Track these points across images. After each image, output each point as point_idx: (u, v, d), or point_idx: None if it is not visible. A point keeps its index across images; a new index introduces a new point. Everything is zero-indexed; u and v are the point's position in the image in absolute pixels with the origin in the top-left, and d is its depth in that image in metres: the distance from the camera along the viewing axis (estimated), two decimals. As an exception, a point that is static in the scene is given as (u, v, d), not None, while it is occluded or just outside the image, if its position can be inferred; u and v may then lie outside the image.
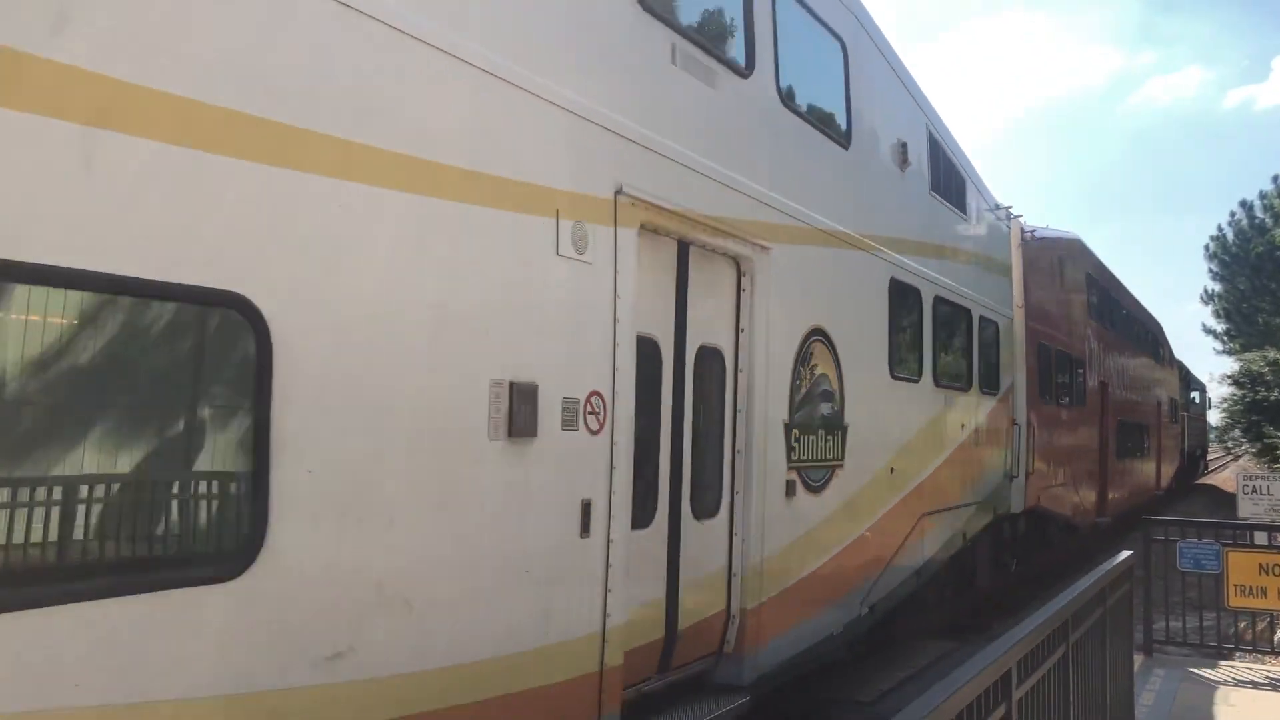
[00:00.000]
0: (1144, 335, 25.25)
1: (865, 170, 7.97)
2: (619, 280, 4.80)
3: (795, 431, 6.58)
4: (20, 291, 2.63)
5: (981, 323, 10.89)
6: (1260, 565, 8.58)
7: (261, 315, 3.08)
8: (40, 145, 2.58)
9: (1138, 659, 7.98)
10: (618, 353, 4.81)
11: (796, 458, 6.60)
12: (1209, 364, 69.48)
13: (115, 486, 2.89)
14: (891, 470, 8.22)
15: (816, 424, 6.91)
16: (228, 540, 3.08)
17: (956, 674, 2.96)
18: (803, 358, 6.71)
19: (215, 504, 3.11)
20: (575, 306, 4.56)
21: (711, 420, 5.92)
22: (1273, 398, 25.08)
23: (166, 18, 2.91)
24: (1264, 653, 9.07)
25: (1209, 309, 51.85)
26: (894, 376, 8.29)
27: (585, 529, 4.60)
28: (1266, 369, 26.17)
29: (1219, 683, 8.09)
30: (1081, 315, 17.24)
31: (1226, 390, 31.23)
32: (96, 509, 2.83)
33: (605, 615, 4.72)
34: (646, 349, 5.19)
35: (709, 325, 5.85)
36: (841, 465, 7.27)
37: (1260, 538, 8.99)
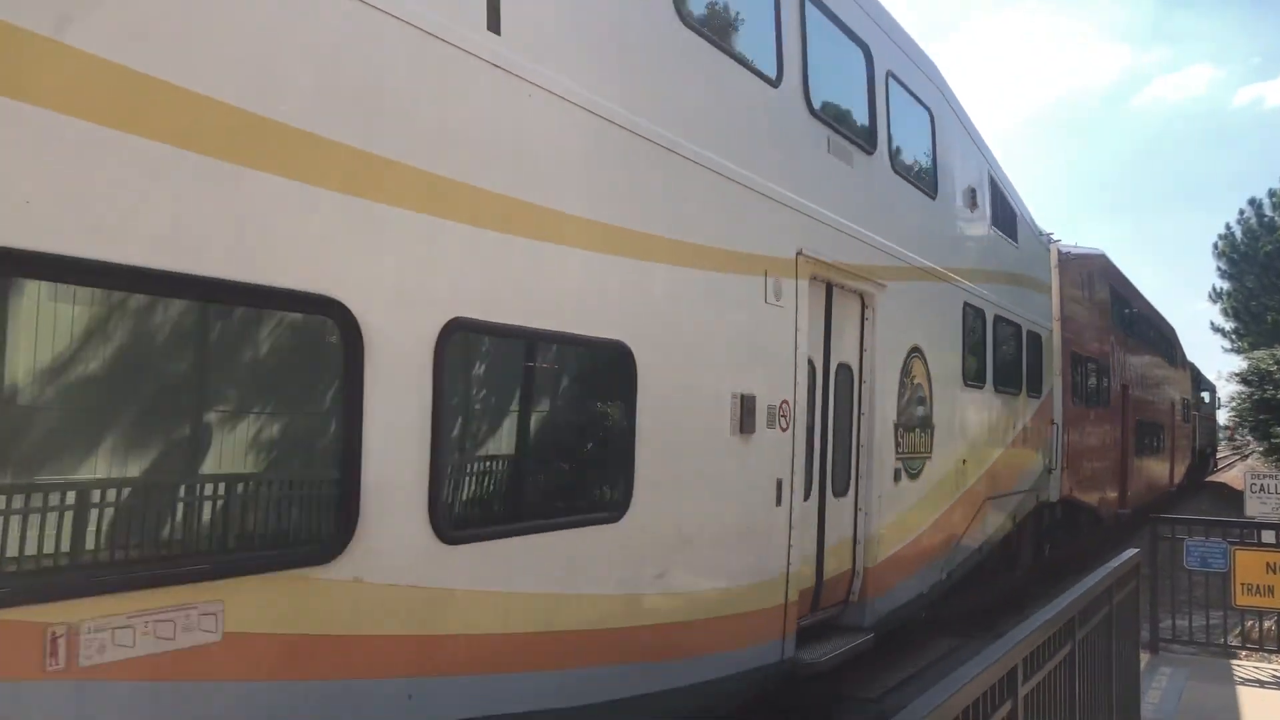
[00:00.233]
0: (1159, 340, 26.88)
1: (946, 215, 9.68)
2: (798, 318, 6.53)
3: (900, 430, 8.30)
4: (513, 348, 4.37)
5: (1029, 336, 12.60)
6: (1268, 564, 8.60)
7: (633, 355, 4.82)
8: (470, 241, 4.24)
9: (1144, 657, 7.98)
10: (797, 371, 6.54)
11: (901, 451, 8.32)
12: (1217, 362, 68.80)
13: (570, 467, 4.66)
14: (964, 462, 9.94)
15: (914, 423, 8.62)
16: (617, 498, 4.82)
17: (962, 670, 2.97)
18: (905, 370, 8.43)
19: (611, 476, 4.86)
20: (774, 338, 6.29)
21: (843, 421, 7.64)
22: (1280, 396, 25.89)
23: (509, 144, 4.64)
24: (1271, 651, 9.00)
25: (1217, 307, 51.52)
26: (966, 384, 10.01)
27: (778, 500, 6.34)
28: (1275, 367, 26.99)
29: (1226, 681, 8.05)
30: (1106, 325, 18.91)
31: (1235, 388, 32.09)
32: (569, 478, 4.61)
33: (789, 564, 6.46)
34: (809, 367, 6.92)
35: (843, 347, 7.56)
36: (930, 457, 9.00)
37: (1268, 536, 8.92)
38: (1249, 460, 36.04)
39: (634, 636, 4.93)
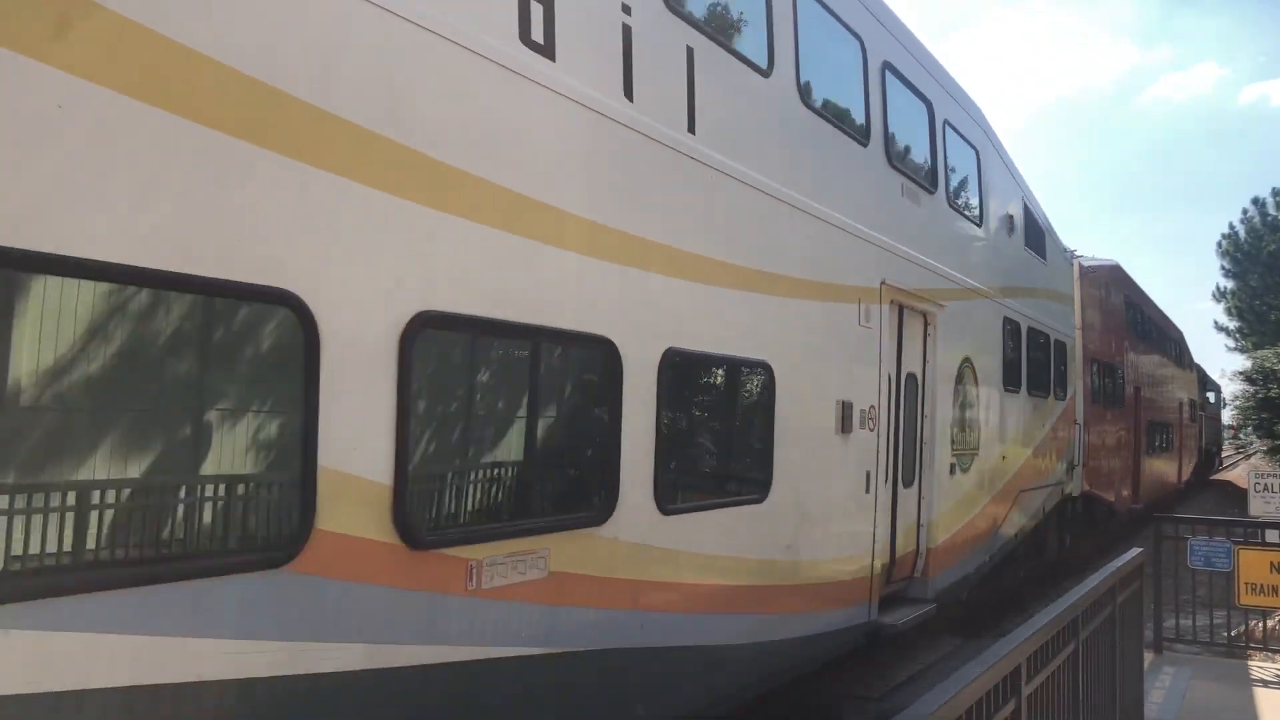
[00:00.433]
0: (1168, 343, 28.17)
1: (990, 240, 10.99)
2: (882, 337, 7.85)
3: (954, 429, 9.61)
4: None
5: (1055, 344, 13.90)
6: (1271, 563, 8.62)
7: (774, 372, 6.14)
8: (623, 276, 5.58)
9: (1148, 656, 8.03)
10: (880, 381, 7.86)
11: (955, 448, 9.63)
12: (1221, 360, 68.57)
13: (736, 459, 5.98)
14: (1004, 457, 11.25)
15: (965, 423, 9.93)
16: (760, 483, 6.14)
17: (966, 669, 2.99)
18: (958, 377, 9.73)
19: (760, 467, 6.17)
20: (864, 354, 7.60)
21: (909, 421, 8.94)
22: (1285, 394, 26.35)
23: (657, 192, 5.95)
24: (1275, 651, 9.04)
25: (1221, 306, 51.24)
26: (1005, 389, 11.32)
27: (867, 488, 7.65)
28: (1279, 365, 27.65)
29: (1229, 681, 8.08)
30: (1120, 331, 20.22)
31: (1238, 387, 31.15)
32: (736, 468, 5.92)
33: (874, 542, 7.77)
34: (887, 377, 8.23)
35: (910, 359, 8.86)
36: (977, 453, 10.30)
37: (1271, 536, 8.97)
38: (1253, 459, 37.10)
39: (771, 593, 6.25)
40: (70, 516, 2.75)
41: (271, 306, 3.17)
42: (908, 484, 8.88)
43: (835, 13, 7.17)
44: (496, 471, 4.28)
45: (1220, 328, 51.47)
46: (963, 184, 10.18)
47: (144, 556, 2.89)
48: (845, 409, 7.19)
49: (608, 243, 4.73)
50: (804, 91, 6.62)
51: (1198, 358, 37.06)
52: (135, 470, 2.95)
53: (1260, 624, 9.67)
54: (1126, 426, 20.36)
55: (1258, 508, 12.87)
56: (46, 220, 2.60)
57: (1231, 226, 49.56)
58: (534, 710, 4.32)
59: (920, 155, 9.01)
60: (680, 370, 5.37)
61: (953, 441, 9.58)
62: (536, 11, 4.20)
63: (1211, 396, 43.82)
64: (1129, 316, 21.37)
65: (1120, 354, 19.94)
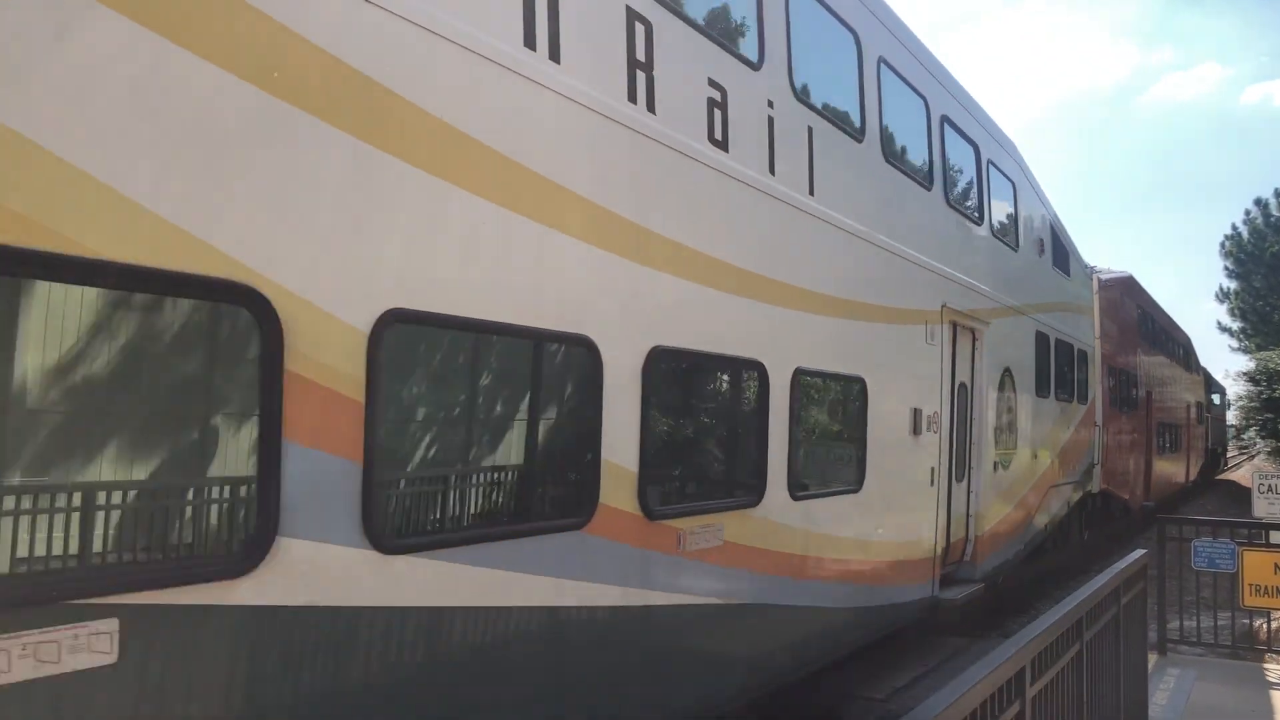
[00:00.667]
0: (1176, 349, 29.48)
1: (1025, 262, 12.32)
2: (943, 353, 9.18)
3: (998, 431, 10.94)
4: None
5: (1078, 353, 15.23)
6: (1276, 565, 8.62)
7: (867, 385, 7.47)
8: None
9: (1152, 658, 8.03)
10: (941, 390, 9.19)
11: (998, 447, 10.96)
12: (1224, 361, 68.51)
13: (841, 457, 7.30)
14: (1036, 456, 12.57)
15: (1006, 426, 11.26)
16: (859, 476, 7.47)
17: (971, 671, 3.00)
18: (1000, 385, 11.06)
19: (858, 462, 7.49)
20: (929, 367, 8.93)
21: (961, 425, 10.27)
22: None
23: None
24: (1278, 652, 9.04)
25: (1224, 307, 51.40)
26: (1037, 395, 12.64)
27: (932, 482, 8.98)
28: (1284, 366, 26.55)
29: (1233, 682, 8.11)
30: (1134, 338, 21.53)
31: (1242, 388, 31.50)
32: (841, 464, 7.25)
33: (936, 527, 9.10)
34: (946, 387, 9.57)
35: (962, 370, 10.19)
36: (1015, 453, 11.63)
37: (1276, 537, 8.98)
38: (1256, 460, 38.11)
39: (864, 567, 7.58)
40: (476, 494, 4.11)
41: (577, 347, 4.51)
42: (959, 479, 10.21)
43: (908, 81, 8.51)
44: (697, 463, 5.64)
45: (1224, 328, 51.81)
46: (1003, 215, 11.51)
47: (512, 521, 4.25)
48: (917, 414, 8.53)
49: (770, 291, 6.11)
50: (886, 150, 7.96)
51: (1201, 359, 38.10)
52: (506, 463, 4.31)
53: (1265, 625, 9.62)
54: (1139, 428, 21.67)
55: (1262, 509, 12.81)
56: (447, 291, 3.90)
57: (1234, 227, 49.68)
58: (709, 646, 5.66)
59: (969, 192, 10.35)
60: (806, 385, 6.70)
61: (996, 442, 10.91)
62: (717, 118, 5.55)
63: (1216, 398, 44.65)
64: (1141, 324, 22.68)
65: (1134, 360, 21.26)
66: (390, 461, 3.63)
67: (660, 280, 5.07)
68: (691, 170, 5.35)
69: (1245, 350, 46.75)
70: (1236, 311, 50.27)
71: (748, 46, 5.97)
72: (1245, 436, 37.31)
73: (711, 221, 5.56)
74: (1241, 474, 42.36)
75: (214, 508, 3.22)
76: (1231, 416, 43.20)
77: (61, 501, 2.82)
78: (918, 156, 8.84)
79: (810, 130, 6.66)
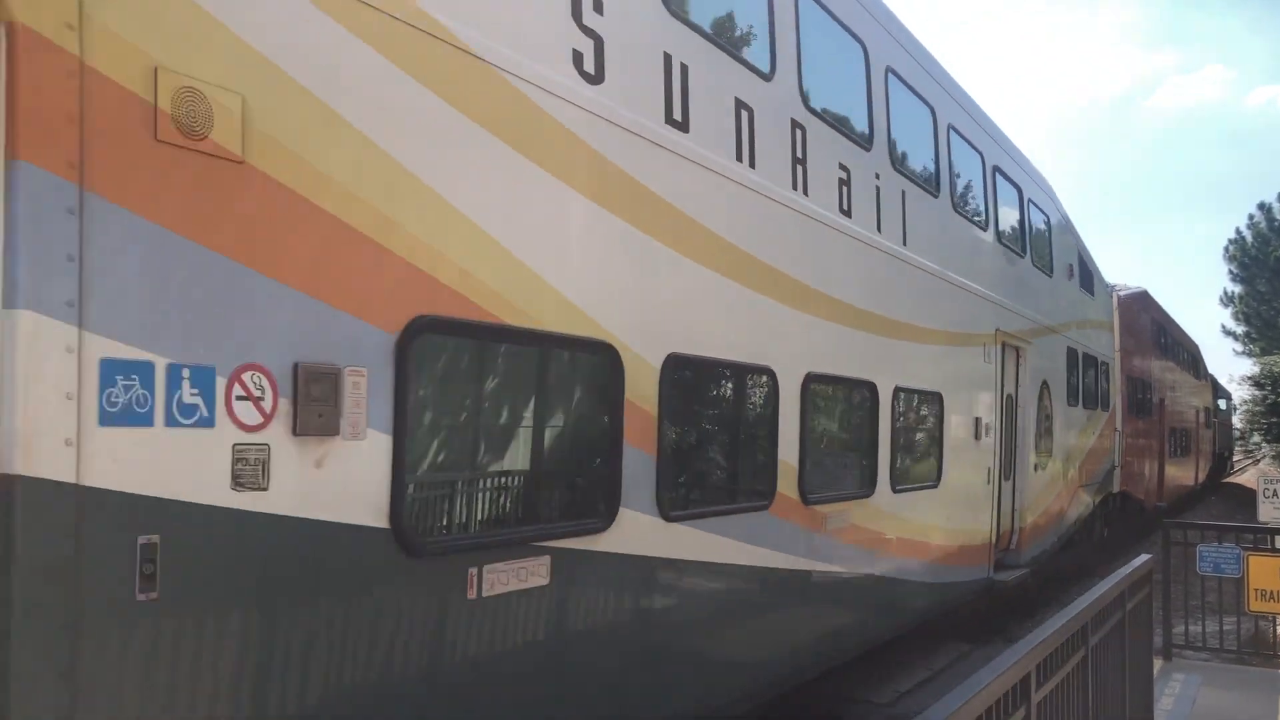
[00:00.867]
0: (1186, 357, 31.02)
1: (1058, 287, 13.89)
2: (997, 370, 10.75)
3: (1037, 436, 12.50)
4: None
5: (1100, 365, 16.79)
6: None
7: (943, 399, 9.03)
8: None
9: (1157, 663, 8.04)
10: (996, 401, 10.75)
11: (1037, 450, 12.51)
12: (1228, 365, 68.27)
13: (927, 458, 8.87)
14: (1067, 459, 14.13)
15: (1043, 431, 12.82)
16: (938, 474, 9.02)
17: (976, 676, 3.02)
18: (1039, 397, 12.62)
19: (937, 462, 9.04)
20: (986, 382, 10.49)
21: (1009, 431, 11.82)
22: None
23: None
24: None
25: (1229, 311, 51.87)
26: (1068, 404, 14.20)
27: (988, 480, 10.54)
28: (1289, 370, 26.77)
29: (1239, 687, 8.12)
30: (1148, 349, 23.08)
31: (1247, 392, 32.84)
32: (928, 464, 8.82)
33: (991, 519, 10.65)
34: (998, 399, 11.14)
35: (1009, 384, 11.75)
36: (1051, 455, 13.19)
37: None
38: (1261, 464, 39.23)
39: (941, 550, 9.13)
40: (709, 481, 5.69)
41: (763, 375, 6.09)
42: (1006, 478, 11.77)
43: (969, 141, 10.09)
44: (834, 462, 7.21)
45: (1228, 332, 52.41)
46: (1041, 246, 13.08)
47: (729, 502, 5.84)
48: (978, 423, 10.09)
49: (878, 325, 7.68)
50: (954, 202, 9.53)
51: (1204, 359, 39.05)
52: (726, 459, 5.90)
53: (1270, 630, 9.64)
54: (1153, 433, 23.22)
55: (1267, 513, 12.82)
56: (696, 338, 5.46)
57: (1238, 231, 50.05)
58: (841, 604, 7.22)
59: (1015, 229, 11.92)
60: (903, 401, 8.27)
61: (1035, 445, 12.47)
62: (844, 192, 7.13)
63: (1222, 403, 45.66)
64: (1155, 336, 24.24)
65: (1148, 369, 22.81)
66: (667, 457, 5.19)
67: (815, 324, 6.66)
68: (830, 236, 6.92)
69: (1249, 354, 47.42)
70: (1241, 316, 50.88)
71: (862, 134, 7.55)
72: (1251, 442, 38.21)
73: (844, 274, 7.13)
74: (1247, 478, 43.26)
75: (593, 489, 4.79)
76: (1236, 421, 44.18)
77: (527, 484, 4.46)
78: (976, 204, 10.42)
79: (904, 193, 8.23)
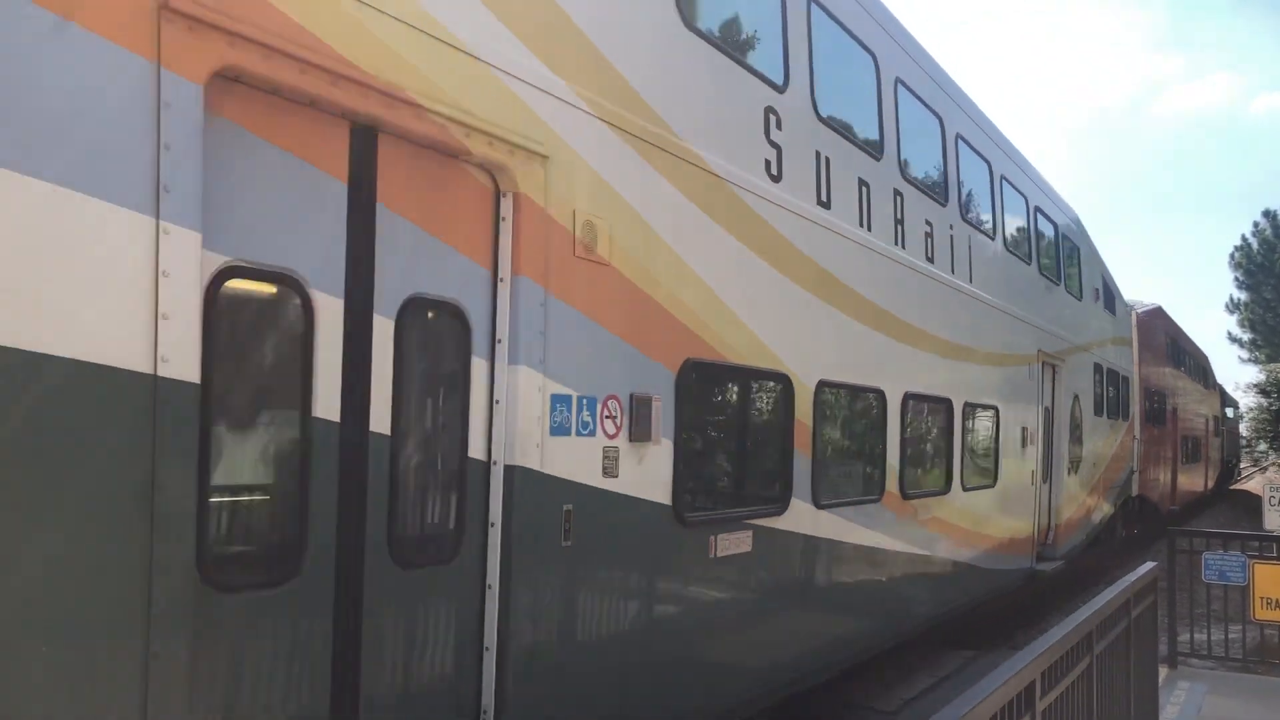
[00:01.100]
0: (1197, 368, 32.55)
1: (1086, 309, 15.49)
2: (1040, 383, 12.33)
3: (1069, 443, 14.07)
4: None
5: (1121, 378, 18.37)
6: None
7: (999, 411, 10.62)
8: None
9: (1162, 671, 8.10)
10: (1037, 413, 12.34)
11: (1070, 456, 14.09)
12: (1234, 372, 68.48)
13: (984, 461, 10.49)
14: (1094, 464, 15.70)
15: (1075, 438, 14.40)
16: (993, 475, 10.60)
17: (981, 684, 3.01)
18: (1071, 408, 14.20)
19: (993, 464, 10.63)
20: (1030, 397, 12.07)
21: (1047, 439, 13.39)
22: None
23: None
24: None
25: (1234, 318, 52.55)
26: (1094, 414, 15.79)
27: (1031, 481, 12.12)
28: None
29: (1244, 695, 8.11)
30: (1162, 362, 24.64)
31: (1253, 400, 34.13)
32: (986, 467, 10.43)
33: (1035, 514, 12.23)
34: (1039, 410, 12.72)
35: (1046, 397, 13.32)
36: (1081, 461, 14.77)
37: None
38: (1268, 472, 40.42)
39: (995, 541, 10.70)
40: (843, 478, 7.31)
41: (876, 395, 7.69)
42: (1045, 480, 13.35)
43: (1017, 188, 11.71)
44: (921, 465, 8.81)
45: (1234, 339, 53.18)
46: (1072, 273, 14.69)
47: (855, 494, 7.45)
48: (1025, 432, 11.68)
49: (955, 352, 9.26)
50: (1007, 244, 11.14)
51: (1210, 366, 39.90)
52: (853, 462, 7.52)
53: (1276, 638, 9.59)
54: (1167, 440, 24.76)
55: (1273, 522, 12.96)
56: (835, 368, 7.05)
57: (1244, 238, 50.82)
58: (929, 580, 8.80)
59: (1051, 260, 13.53)
60: (969, 413, 9.87)
61: (1069, 451, 14.05)
62: (928, 243, 8.73)
63: (1230, 412, 46.86)
64: (1168, 349, 25.81)
65: (1163, 381, 24.37)
66: (819, 459, 6.79)
67: (909, 353, 8.26)
68: (922, 281, 8.53)
69: (1255, 361, 48.05)
70: (1246, 323, 51.66)
71: (939, 193, 9.16)
72: (1258, 451, 39.45)
73: (933, 312, 8.75)
74: (1254, 484, 44.16)
75: (776, 483, 6.40)
76: (1243, 428, 45.21)
77: (741, 477, 6.12)
78: (1022, 242, 12.03)
79: (970, 239, 9.84)
